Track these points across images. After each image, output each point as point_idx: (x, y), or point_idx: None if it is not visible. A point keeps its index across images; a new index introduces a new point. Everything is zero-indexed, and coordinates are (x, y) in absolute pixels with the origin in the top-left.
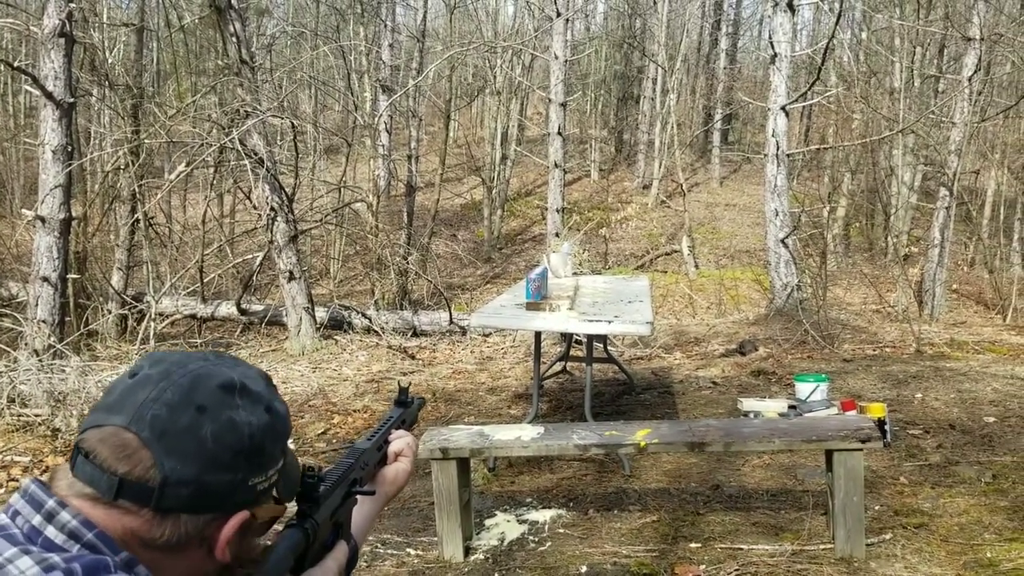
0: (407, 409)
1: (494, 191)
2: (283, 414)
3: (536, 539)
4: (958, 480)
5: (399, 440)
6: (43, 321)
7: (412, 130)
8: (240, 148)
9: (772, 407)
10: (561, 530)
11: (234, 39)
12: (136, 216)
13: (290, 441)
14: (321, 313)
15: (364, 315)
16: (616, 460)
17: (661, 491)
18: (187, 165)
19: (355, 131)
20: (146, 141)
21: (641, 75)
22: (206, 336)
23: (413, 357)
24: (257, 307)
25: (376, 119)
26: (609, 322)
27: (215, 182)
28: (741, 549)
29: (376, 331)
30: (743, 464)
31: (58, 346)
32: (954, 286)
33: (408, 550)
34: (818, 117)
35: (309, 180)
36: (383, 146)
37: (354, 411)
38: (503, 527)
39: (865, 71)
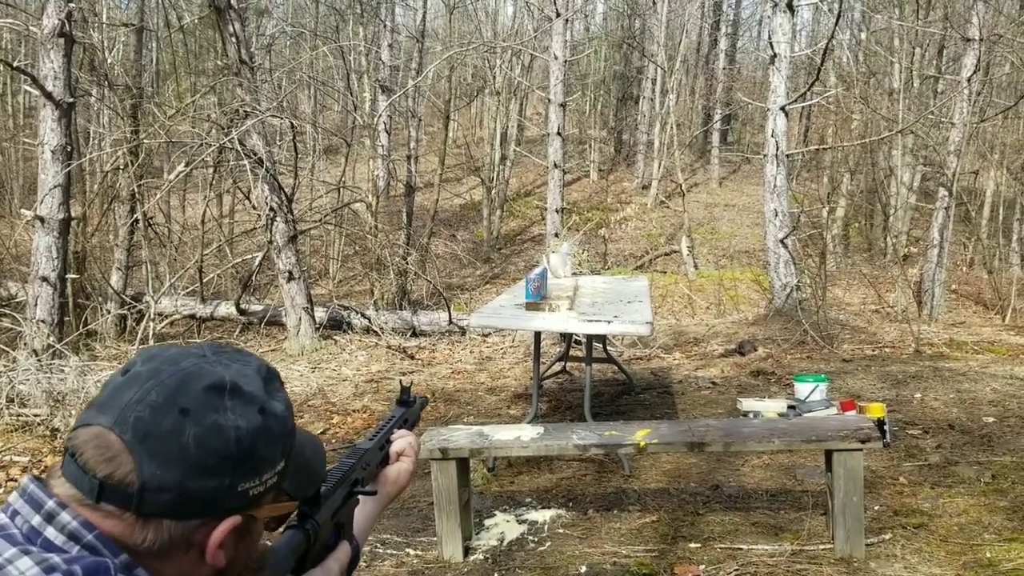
0: (409, 408)
1: (493, 191)
2: (280, 414)
3: (536, 539)
4: (957, 480)
5: (401, 440)
6: (42, 321)
7: (411, 130)
8: (239, 148)
9: (771, 407)
10: (561, 530)
11: (233, 39)
12: (135, 216)
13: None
14: (320, 313)
15: (363, 315)
16: (616, 460)
17: (661, 491)
18: (186, 165)
19: (354, 131)
20: (145, 141)
21: (640, 75)
22: (205, 336)
23: (412, 357)
24: (256, 307)
25: (375, 119)
26: (608, 322)
27: (214, 182)
28: (741, 549)
29: (375, 331)
30: (743, 464)
31: (57, 346)
32: (953, 286)
33: (407, 550)
34: (817, 117)
35: (308, 180)
36: (382, 146)
37: (353, 411)
38: (503, 527)
39: (864, 72)
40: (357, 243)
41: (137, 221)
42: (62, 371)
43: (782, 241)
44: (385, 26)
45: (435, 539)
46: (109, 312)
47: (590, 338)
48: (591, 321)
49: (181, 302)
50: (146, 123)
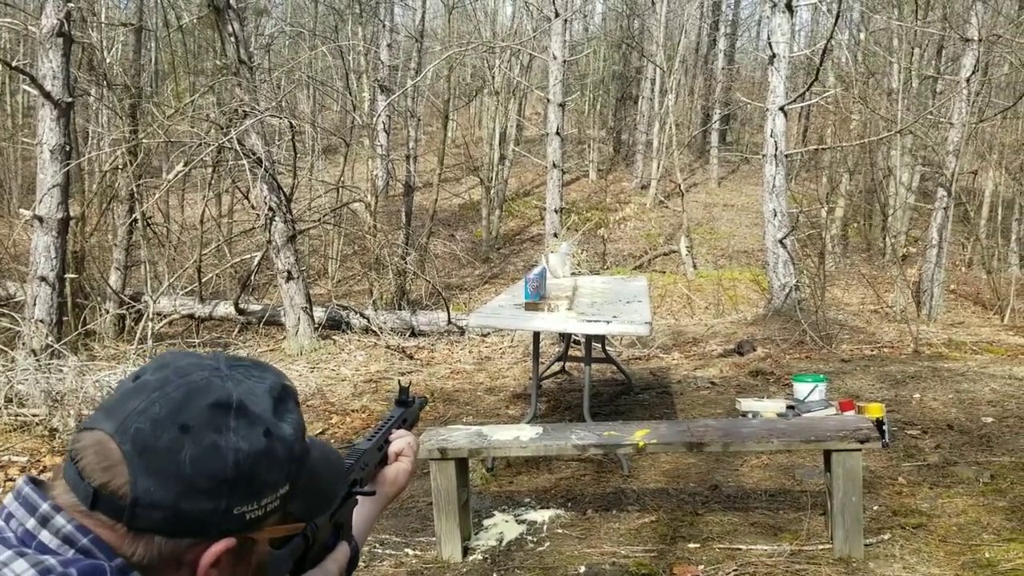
0: (408, 408)
1: (492, 191)
2: (287, 438)
3: (534, 539)
4: (956, 480)
5: (400, 440)
6: (41, 321)
7: (410, 130)
8: (238, 148)
9: (770, 407)
10: (559, 530)
11: (232, 39)
12: (134, 216)
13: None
14: (319, 313)
15: (362, 315)
16: (615, 460)
17: (659, 491)
18: (185, 165)
19: (353, 131)
20: (144, 141)
21: (639, 75)
22: (204, 336)
23: (411, 357)
24: (255, 307)
25: (374, 119)
26: (607, 322)
27: (213, 182)
28: (739, 549)
29: (374, 331)
30: (741, 464)
31: (56, 346)
32: (952, 286)
33: (406, 550)
34: (816, 117)
35: (307, 180)
36: (381, 146)
37: (352, 411)
38: (501, 527)
39: (863, 72)
40: (356, 243)
41: (136, 221)
42: (60, 371)
43: (781, 241)
44: (384, 26)
45: (434, 539)
46: (108, 312)
47: (589, 338)
48: (590, 321)
49: (180, 302)
50: (145, 123)
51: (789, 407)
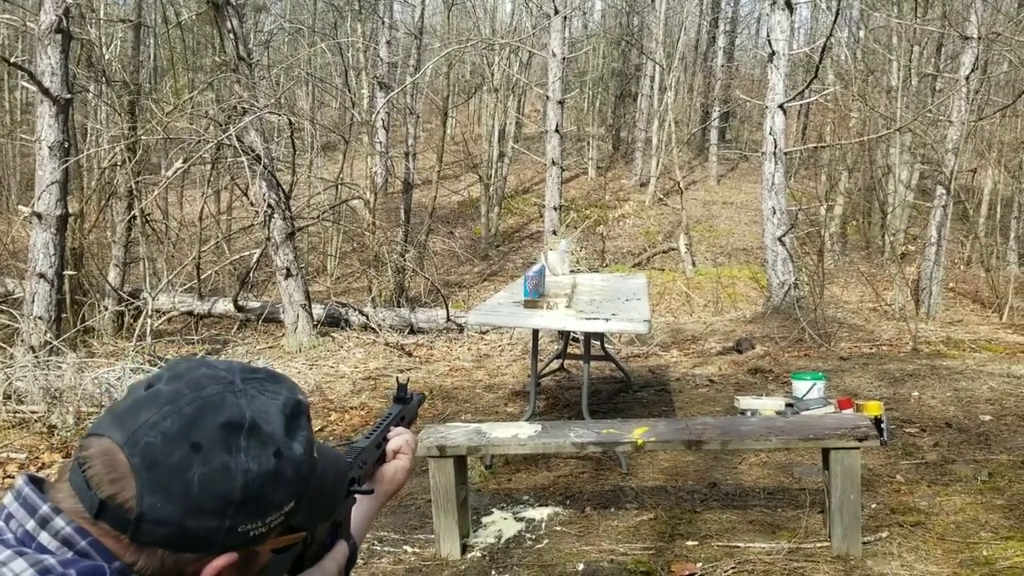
0: (406, 406)
1: (491, 188)
2: (297, 458)
3: (533, 537)
4: (954, 478)
5: (398, 437)
6: (39, 317)
7: (409, 127)
8: (237, 145)
9: (769, 405)
10: (558, 528)
11: (231, 35)
12: (133, 212)
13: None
14: (318, 310)
15: (361, 312)
16: (613, 458)
17: (658, 489)
18: (184, 162)
19: (352, 128)
20: (143, 137)
21: (639, 73)
22: (203, 333)
23: (410, 354)
24: (254, 304)
25: (373, 116)
26: (606, 320)
27: (212, 179)
28: (738, 547)
29: (373, 328)
30: (740, 462)
31: (54, 343)
32: (951, 284)
33: (405, 548)
34: (815, 115)
35: (306, 177)
36: (380, 143)
37: (351, 408)
38: (500, 525)
39: (863, 69)
40: (355, 240)
41: (135, 217)
42: (59, 368)
43: (780, 239)
44: (383, 22)
45: (433, 537)
46: (106, 309)
47: (588, 336)
48: (589, 319)
49: (179, 299)
50: (144, 119)
51: (788, 405)
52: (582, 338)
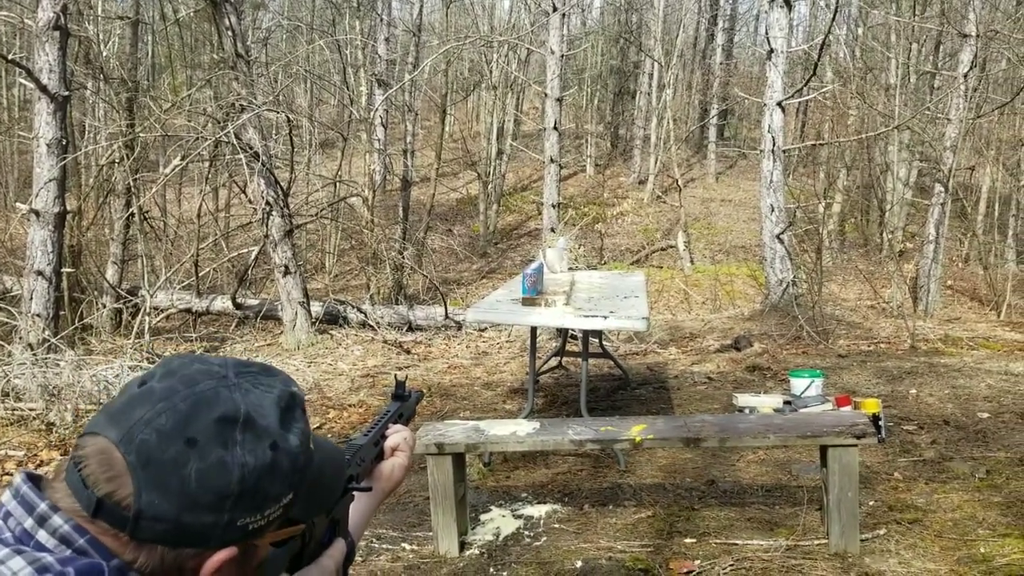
0: (404, 403)
1: (490, 186)
2: (293, 450)
3: (531, 534)
4: (952, 476)
5: (396, 435)
6: (37, 315)
7: (408, 125)
8: (235, 142)
9: (767, 403)
10: (556, 525)
11: (229, 33)
12: (131, 210)
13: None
14: (316, 308)
15: (359, 310)
16: (611, 455)
17: (656, 486)
18: (182, 159)
19: (351, 125)
20: (141, 135)
21: (637, 70)
22: (201, 330)
23: (408, 352)
24: (252, 301)
25: (372, 113)
26: (605, 317)
27: (210, 176)
28: (736, 544)
29: (371, 326)
30: (738, 459)
31: (52, 340)
32: (949, 282)
33: (403, 545)
34: (814, 113)
35: (305, 174)
36: (379, 140)
37: (349, 406)
38: (498, 522)
39: (861, 67)
40: (353, 237)
41: (133, 215)
42: (57, 365)
43: (778, 236)
44: (382, 20)
45: (431, 534)
46: (105, 306)
47: (586, 333)
48: (587, 316)
49: (177, 296)
50: (142, 117)
51: (786, 402)
52: (580, 336)
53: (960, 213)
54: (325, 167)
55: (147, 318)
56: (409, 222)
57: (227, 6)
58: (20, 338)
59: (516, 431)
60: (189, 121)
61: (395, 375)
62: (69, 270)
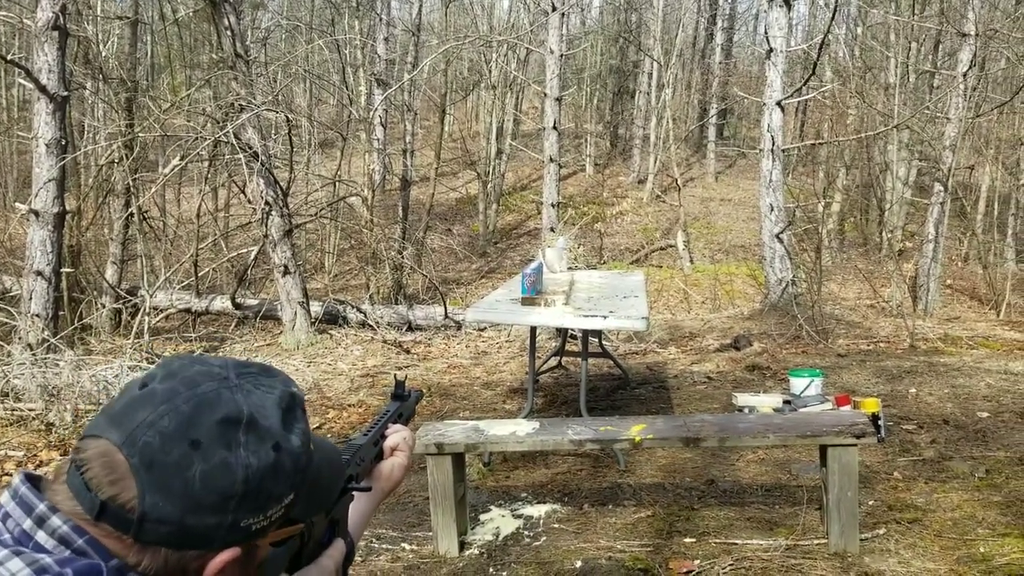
0: (404, 403)
1: (489, 185)
2: (295, 450)
3: (531, 534)
4: (952, 475)
5: (395, 434)
6: (37, 315)
7: (407, 124)
8: (235, 142)
9: (767, 402)
10: (556, 525)
11: (228, 32)
12: (130, 210)
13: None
14: (316, 307)
15: (359, 309)
16: (611, 455)
17: (656, 486)
18: (181, 159)
19: (350, 125)
20: (140, 135)
21: (636, 70)
22: (200, 330)
23: (408, 352)
24: (252, 301)
25: (371, 113)
26: (604, 317)
27: (210, 176)
28: (735, 544)
29: (371, 325)
30: (738, 459)
31: (52, 340)
32: (948, 281)
33: (403, 545)
34: (813, 112)
35: (304, 174)
36: (378, 140)
37: (349, 406)
38: (498, 522)
39: (860, 66)
40: (353, 237)
41: (132, 215)
42: (57, 365)
43: (778, 236)
44: (381, 19)
45: (430, 534)
46: (104, 306)
47: (586, 333)
48: (587, 316)
49: (176, 296)
50: (141, 117)
51: (785, 402)
52: (580, 335)
53: (959, 212)
54: (324, 167)
55: (146, 318)
56: (408, 222)
57: (226, 6)
58: (19, 338)
59: (516, 431)
60: (188, 121)
61: (394, 375)
62: (68, 270)
